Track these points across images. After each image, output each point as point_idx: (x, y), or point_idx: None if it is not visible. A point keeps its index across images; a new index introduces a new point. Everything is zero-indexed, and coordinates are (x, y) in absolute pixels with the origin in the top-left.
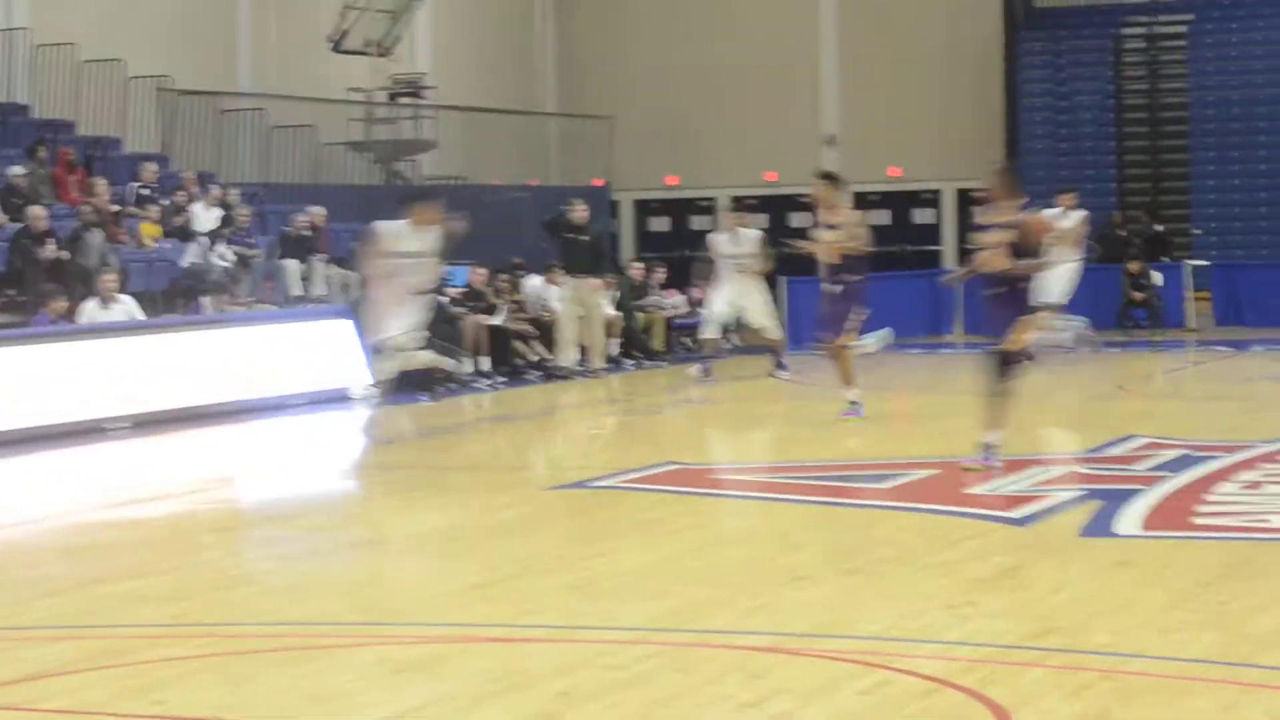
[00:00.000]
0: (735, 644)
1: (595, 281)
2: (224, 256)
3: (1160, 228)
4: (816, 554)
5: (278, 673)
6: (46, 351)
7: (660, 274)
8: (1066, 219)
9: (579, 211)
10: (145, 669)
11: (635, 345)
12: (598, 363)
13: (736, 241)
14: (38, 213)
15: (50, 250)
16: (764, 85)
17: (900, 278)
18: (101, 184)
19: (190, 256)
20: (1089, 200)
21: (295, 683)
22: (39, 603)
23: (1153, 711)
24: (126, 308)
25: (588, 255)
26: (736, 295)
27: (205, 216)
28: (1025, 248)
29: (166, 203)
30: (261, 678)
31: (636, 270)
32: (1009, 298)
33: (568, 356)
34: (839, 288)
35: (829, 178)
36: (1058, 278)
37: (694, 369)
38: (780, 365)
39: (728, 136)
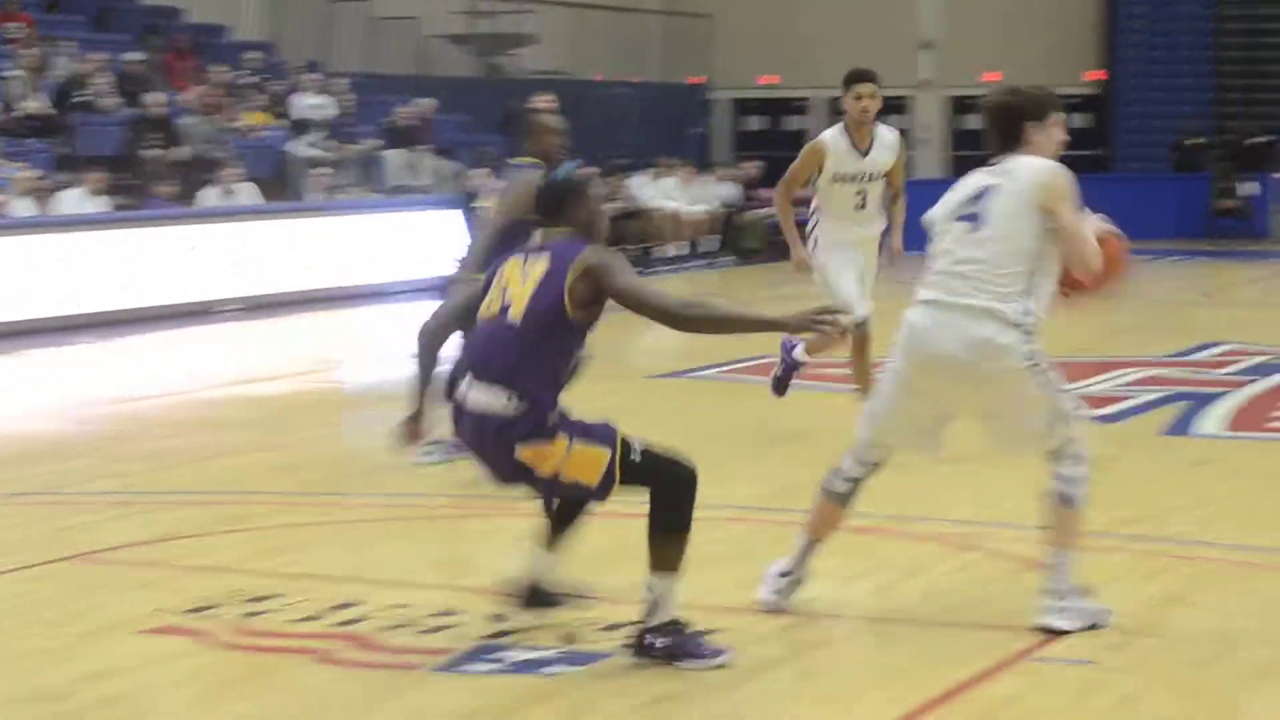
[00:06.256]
0: None
1: None
2: (329, 145)
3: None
4: None
5: (397, 539)
6: (159, 234)
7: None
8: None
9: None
10: (273, 533)
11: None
12: None
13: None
14: (156, 99)
15: (164, 136)
16: None
17: None
18: (221, 72)
19: (296, 144)
20: (1185, 111)
21: (414, 549)
22: (175, 470)
23: (1224, 593)
24: (247, 197)
25: None
26: None
27: (311, 105)
28: None
29: (274, 90)
30: (382, 544)
31: (749, 168)
32: None
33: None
34: None
35: None
36: None
37: None
38: None
39: (826, 37)
